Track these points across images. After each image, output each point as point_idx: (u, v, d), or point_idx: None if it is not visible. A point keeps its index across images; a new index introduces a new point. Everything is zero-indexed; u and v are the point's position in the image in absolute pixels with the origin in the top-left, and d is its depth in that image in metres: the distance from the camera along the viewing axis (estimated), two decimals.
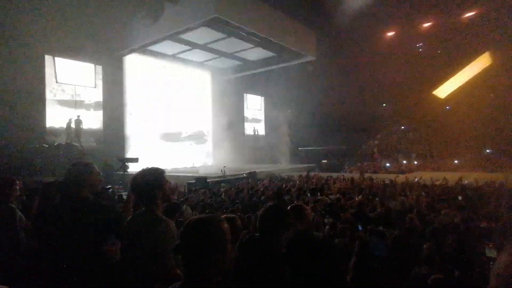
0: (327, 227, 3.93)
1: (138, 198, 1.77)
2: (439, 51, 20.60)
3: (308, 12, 16.28)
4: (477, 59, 19.08)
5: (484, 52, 18.78)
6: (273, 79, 20.21)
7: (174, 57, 17.99)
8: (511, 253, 0.71)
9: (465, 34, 18.14)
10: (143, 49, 15.41)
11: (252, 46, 16.09)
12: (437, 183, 9.00)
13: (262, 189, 7.73)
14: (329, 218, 4.27)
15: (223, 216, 2.31)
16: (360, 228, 3.53)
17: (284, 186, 8.16)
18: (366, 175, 11.81)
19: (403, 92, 21.73)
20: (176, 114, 19.06)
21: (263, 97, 25.34)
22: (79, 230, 1.66)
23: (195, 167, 17.32)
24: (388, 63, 20.88)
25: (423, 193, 6.89)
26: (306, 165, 19.71)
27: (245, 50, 17.08)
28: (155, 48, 16.05)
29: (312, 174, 12.80)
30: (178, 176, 11.57)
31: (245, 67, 19.56)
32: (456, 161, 17.68)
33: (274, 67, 18.36)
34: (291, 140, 22.50)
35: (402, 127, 22.60)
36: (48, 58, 12.79)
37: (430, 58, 20.60)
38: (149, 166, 1.92)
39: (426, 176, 10.72)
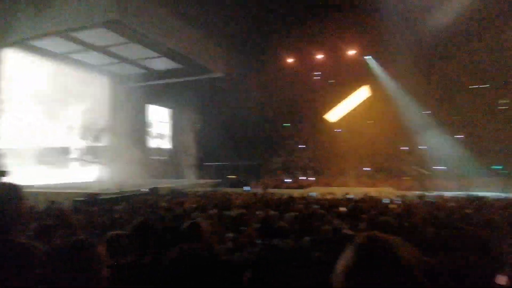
0: (229, 242, 3.84)
1: None
2: (331, 81, 23.80)
3: (218, 28, 16.54)
4: (358, 90, 22.91)
5: (363, 86, 22.73)
6: (181, 91, 19.61)
7: (64, 57, 15.70)
8: (346, 258, 0.74)
9: (350, 68, 21.66)
10: (24, 44, 13.01)
11: (158, 55, 15.40)
12: (328, 196, 10.09)
13: (165, 206, 7.24)
14: (231, 233, 4.20)
15: (112, 233, 2.22)
16: (259, 241, 3.54)
17: (187, 202, 7.79)
18: (268, 190, 12.42)
19: (302, 113, 24.17)
20: (65, 122, 16.54)
21: (169, 109, 24.29)
22: None
23: (86, 182, 15.20)
24: (291, 85, 23.00)
25: (316, 206, 7.56)
26: (211, 180, 19.59)
27: (149, 58, 16.23)
28: (41, 44, 13.75)
29: (217, 189, 12.76)
30: (61, 192, 9.83)
31: (150, 76, 18.54)
32: (342, 178, 20.48)
33: (181, 79, 17.93)
34: (197, 155, 22.10)
35: (300, 146, 24.90)
36: None
37: (325, 86, 23.67)
38: (2, 181, 1.54)
39: (319, 191, 12.02)
